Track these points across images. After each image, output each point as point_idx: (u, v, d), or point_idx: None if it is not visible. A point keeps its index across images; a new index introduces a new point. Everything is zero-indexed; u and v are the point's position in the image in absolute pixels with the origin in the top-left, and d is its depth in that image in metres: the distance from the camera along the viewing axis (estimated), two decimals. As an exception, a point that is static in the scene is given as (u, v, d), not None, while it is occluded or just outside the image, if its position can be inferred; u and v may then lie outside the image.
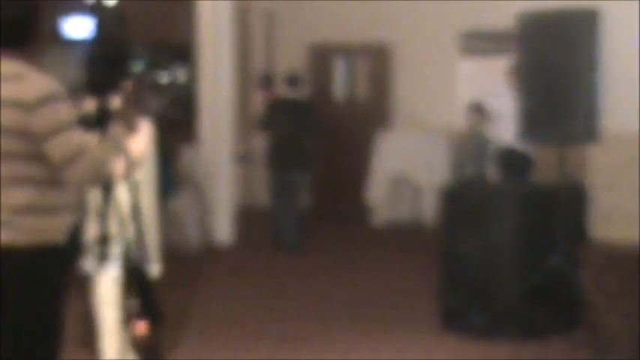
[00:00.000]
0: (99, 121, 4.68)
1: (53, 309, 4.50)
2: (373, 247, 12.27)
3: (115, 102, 4.86)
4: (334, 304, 9.61)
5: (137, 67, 15.36)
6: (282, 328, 8.70)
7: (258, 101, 14.11)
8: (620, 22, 10.26)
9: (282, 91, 12.99)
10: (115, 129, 4.61)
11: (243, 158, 13.65)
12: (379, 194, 13.63)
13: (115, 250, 5.43)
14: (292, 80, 12.55)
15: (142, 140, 6.45)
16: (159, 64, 16.21)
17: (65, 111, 4.30)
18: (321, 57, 14.85)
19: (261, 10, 15.16)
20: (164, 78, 16.50)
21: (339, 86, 15.04)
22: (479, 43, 12.97)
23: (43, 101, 4.23)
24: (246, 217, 13.15)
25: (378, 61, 14.41)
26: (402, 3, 13.79)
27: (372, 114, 14.39)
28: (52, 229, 4.44)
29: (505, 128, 10.34)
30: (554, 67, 8.65)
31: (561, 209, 8.37)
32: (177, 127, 12.94)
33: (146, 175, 6.83)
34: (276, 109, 12.51)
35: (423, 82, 13.71)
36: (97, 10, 4.86)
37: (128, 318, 5.64)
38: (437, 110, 13.20)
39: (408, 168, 13.31)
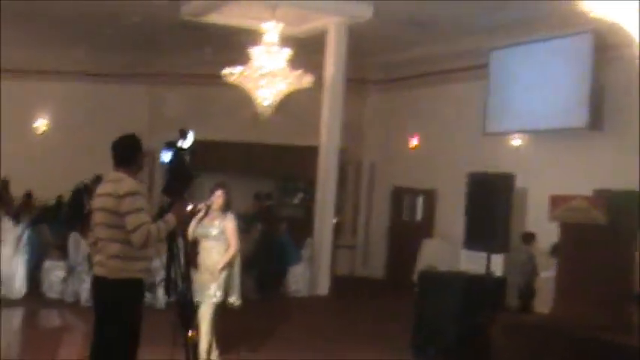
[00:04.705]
0: (161, 212, 5.57)
1: (129, 319, 5.29)
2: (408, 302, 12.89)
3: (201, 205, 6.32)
4: (369, 329, 12.28)
5: (268, 189, 18.22)
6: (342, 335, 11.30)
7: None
8: (522, 183, 11.69)
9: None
10: (169, 216, 5.42)
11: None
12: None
13: (213, 288, 6.62)
14: None
15: (230, 224, 7.82)
16: (288, 190, 19.44)
17: (138, 201, 5.20)
18: (398, 194, 18.85)
19: (368, 162, 19.30)
20: (295, 199, 19.49)
21: (406, 211, 18.74)
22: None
23: (127, 194, 5.16)
24: (335, 281, 15.70)
25: (428, 197, 18.07)
26: (439, 170, 17.22)
27: (422, 229, 17.79)
28: (130, 270, 5.25)
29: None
30: (485, 206, 10.45)
31: (484, 292, 10.00)
32: (301, 225, 16.22)
33: (235, 245, 7.89)
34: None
35: (449, 210, 16.67)
36: (175, 148, 5.61)
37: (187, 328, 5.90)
38: (457, 227, 14.27)
39: (434, 262, 15.59)
